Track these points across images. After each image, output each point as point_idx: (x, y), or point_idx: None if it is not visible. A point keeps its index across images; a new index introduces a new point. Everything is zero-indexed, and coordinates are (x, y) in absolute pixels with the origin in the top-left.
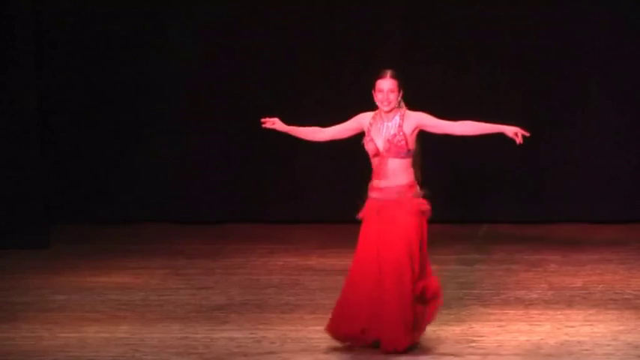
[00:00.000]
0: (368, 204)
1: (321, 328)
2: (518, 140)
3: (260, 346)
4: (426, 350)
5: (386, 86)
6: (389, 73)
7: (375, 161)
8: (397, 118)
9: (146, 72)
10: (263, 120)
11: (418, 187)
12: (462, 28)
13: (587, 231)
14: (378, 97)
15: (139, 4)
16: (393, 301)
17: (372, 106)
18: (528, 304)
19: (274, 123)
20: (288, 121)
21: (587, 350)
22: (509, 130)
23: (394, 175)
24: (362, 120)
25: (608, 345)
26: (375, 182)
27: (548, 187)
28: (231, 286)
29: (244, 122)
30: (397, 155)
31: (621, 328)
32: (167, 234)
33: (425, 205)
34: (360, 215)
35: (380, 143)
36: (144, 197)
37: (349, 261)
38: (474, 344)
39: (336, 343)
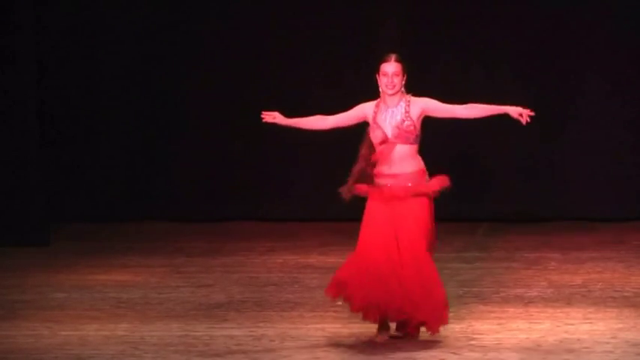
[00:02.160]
0: (375, 188)
1: (321, 325)
2: (524, 120)
3: (260, 344)
4: (425, 348)
5: (390, 69)
6: (393, 56)
7: (380, 149)
8: (402, 104)
9: (146, 71)
10: (263, 114)
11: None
12: (462, 23)
13: (586, 229)
14: (383, 81)
15: (140, 3)
16: (417, 286)
17: (370, 98)
18: (528, 301)
19: (275, 117)
20: (292, 115)
21: (586, 348)
22: (514, 111)
23: (404, 162)
24: (364, 109)
25: (608, 343)
26: (385, 168)
27: (548, 185)
28: (231, 284)
29: (244, 120)
30: (406, 141)
31: (620, 325)
32: (167, 232)
33: (435, 187)
34: (365, 192)
35: (388, 130)
36: (144, 195)
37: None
38: (473, 342)
39: (335, 342)
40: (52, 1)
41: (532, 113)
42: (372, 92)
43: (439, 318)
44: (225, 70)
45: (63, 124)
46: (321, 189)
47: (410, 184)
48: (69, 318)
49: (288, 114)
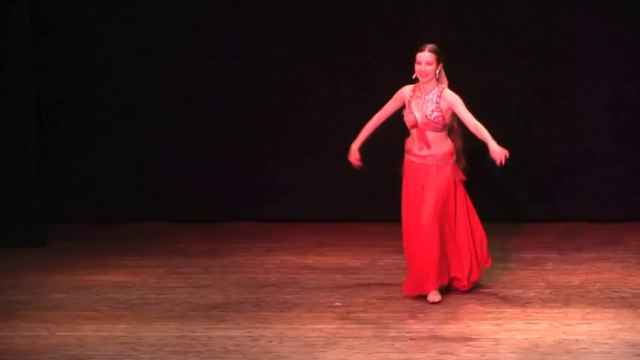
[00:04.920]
0: (408, 164)
1: (319, 326)
2: (497, 163)
3: (257, 345)
4: (423, 348)
5: (423, 58)
6: (428, 46)
7: (413, 132)
8: (435, 93)
9: (145, 71)
10: (355, 165)
11: (456, 156)
12: (464, 22)
13: (584, 229)
14: (417, 69)
15: (140, 3)
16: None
17: (373, 108)
18: (526, 302)
19: (356, 155)
20: (290, 115)
21: (584, 349)
22: (494, 152)
23: (435, 145)
24: (403, 93)
25: (606, 343)
26: (416, 149)
27: (546, 186)
28: (229, 284)
29: (242, 121)
30: (434, 129)
31: (618, 326)
32: (165, 232)
33: (460, 175)
34: (406, 171)
35: (419, 117)
36: (141, 196)
37: (347, 259)
38: (471, 343)
39: (333, 342)
40: (50, 1)
41: (505, 157)
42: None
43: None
44: (224, 70)
45: (60, 124)
46: (319, 190)
47: (438, 163)
48: (67, 319)
49: (289, 113)
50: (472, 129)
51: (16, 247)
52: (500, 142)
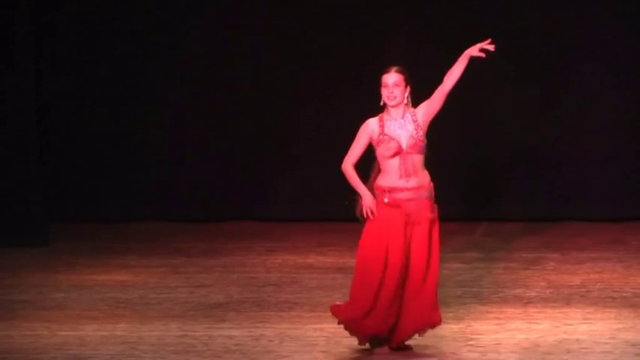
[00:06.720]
0: (386, 205)
1: (320, 326)
2: (489, 48)
3: (258, 344)
4: (424, 348)
5: (390, 80)
6: (394, 68)
7: (393, 162)
8: (408, 115)
9: (145, 72)
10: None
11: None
12: (463, 21)
13: (585, 229)
14: (384, 93)
15: (139, 4)
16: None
17: (372, 106)
18: (527, 302)
19: (370, 207)
20: (291, 115)
21: (585, 348)
22: (474, 50)
23: (420, 173)
24: (368, 127)
25: (607, 343)
26: (402, 182)
27: (547, 186)
28: (230, 284)
29: (242, 121)
30: (419, 151)
31: (619, 326)
32: (166, 232)
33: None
34: (381, 215)
35: (403, 141)
36: (143, 195)
37: (348, 259)
38: (472, 342)
39: (334, 342)
40: (51, 2)
41: (491, 45)
42: (368, 101)
43: (428, 320)
44: (224, 72)
45: (61, 125)
46: (320, 189)
47: (427, 194)
48: (68, 318)
49: (290, 113)
50: (451, 83)
51: (17, 247)
52: (502, 141)
